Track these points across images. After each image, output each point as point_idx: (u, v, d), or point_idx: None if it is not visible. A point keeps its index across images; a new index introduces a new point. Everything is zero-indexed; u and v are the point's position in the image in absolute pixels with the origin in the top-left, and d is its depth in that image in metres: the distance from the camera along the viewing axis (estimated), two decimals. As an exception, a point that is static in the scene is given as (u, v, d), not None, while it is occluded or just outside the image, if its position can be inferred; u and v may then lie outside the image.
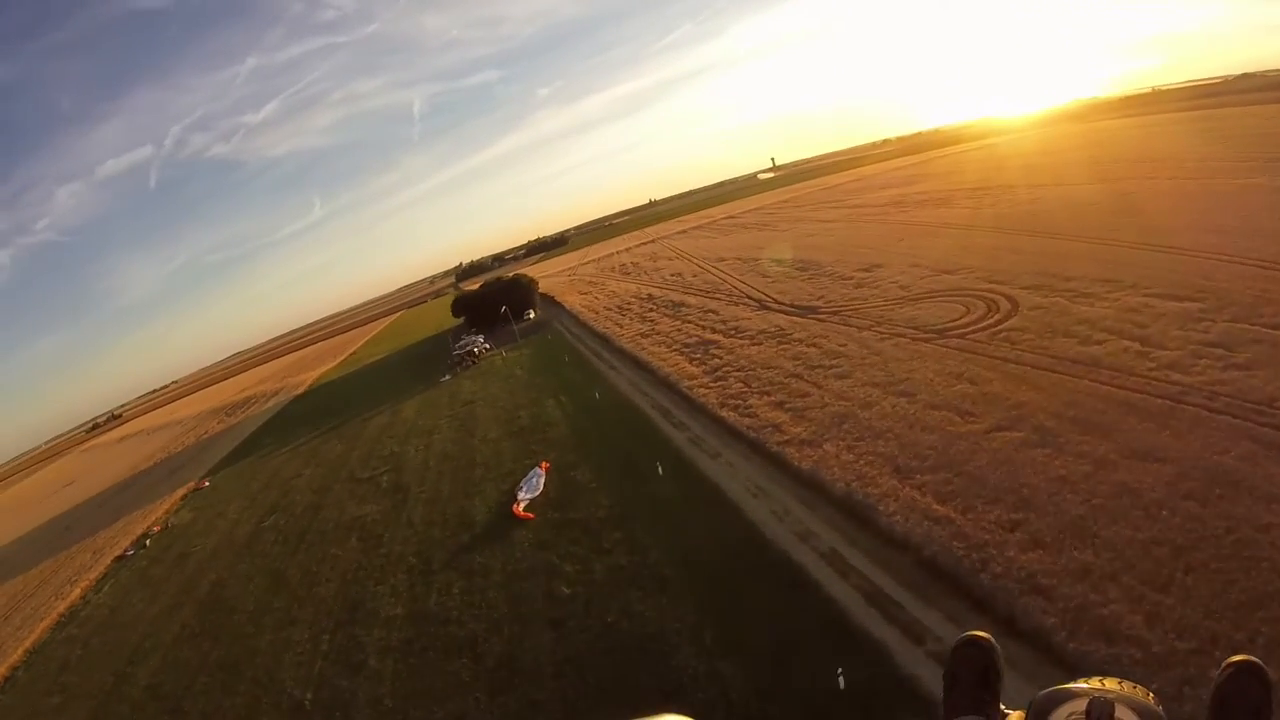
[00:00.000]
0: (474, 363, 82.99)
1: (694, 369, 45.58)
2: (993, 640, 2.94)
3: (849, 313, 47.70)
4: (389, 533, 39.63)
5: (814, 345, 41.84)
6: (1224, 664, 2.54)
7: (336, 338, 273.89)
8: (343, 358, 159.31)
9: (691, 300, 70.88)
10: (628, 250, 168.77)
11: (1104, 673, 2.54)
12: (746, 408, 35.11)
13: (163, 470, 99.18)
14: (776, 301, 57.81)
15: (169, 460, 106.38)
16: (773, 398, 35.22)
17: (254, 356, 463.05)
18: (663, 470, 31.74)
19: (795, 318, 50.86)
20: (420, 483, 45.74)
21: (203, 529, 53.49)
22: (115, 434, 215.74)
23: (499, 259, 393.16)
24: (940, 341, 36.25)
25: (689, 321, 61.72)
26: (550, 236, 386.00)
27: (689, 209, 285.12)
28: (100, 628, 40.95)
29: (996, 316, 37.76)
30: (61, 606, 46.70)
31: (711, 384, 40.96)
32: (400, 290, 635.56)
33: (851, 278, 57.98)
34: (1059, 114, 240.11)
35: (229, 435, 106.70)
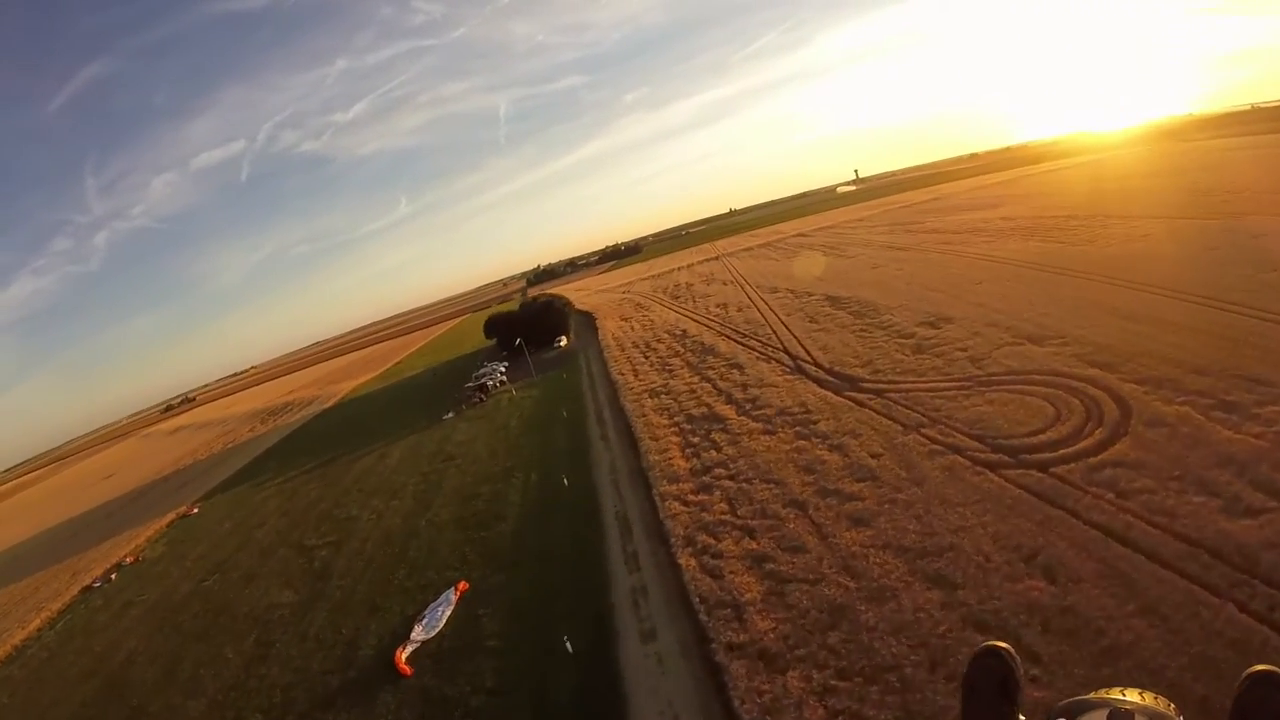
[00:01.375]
0: (483, 399, 76.41)
1: (682, 464, 36.11)
2: (1012, 650, 3.03)
3: (897, 394, 36.92)
4: (280, 644, 33.76)
5: (838, 449, 31.47)
6: (1244, 674, 2.57)
7: (399, 338, 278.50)
8: (387, 366, 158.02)
9: (723, 347, 61.11)
10: (689, 267, 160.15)
11: (1125, 686, 2.61)
12: (715, 553, 25.36)
13: (176, 481, 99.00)
14: (815, 363, 47.33)
15: (186, 470, 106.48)
16: (755, 543, 25.29)
17: (327, 348, 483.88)
18: (571, 648, 22.68)
19: (829, 392, 40.40)
20: (344, 574, 38.83)
21: (159, 574, 51.47)
22: (175, 422, 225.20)
23: (572, 264, 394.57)
24: (1011, 473, 25.32)
25: (708, 379, 52.15)
26: (624, 244, 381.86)
27: (766, 221, 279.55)
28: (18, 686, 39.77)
29: (1099, 434, 26.37)
30: (18, 637, 46.65)
31: (692, 496, 31.36)
32: (475, 291, 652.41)
33: (912, 335, 46.82)
34: (1153, 130, 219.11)
35: (247, 449, 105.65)
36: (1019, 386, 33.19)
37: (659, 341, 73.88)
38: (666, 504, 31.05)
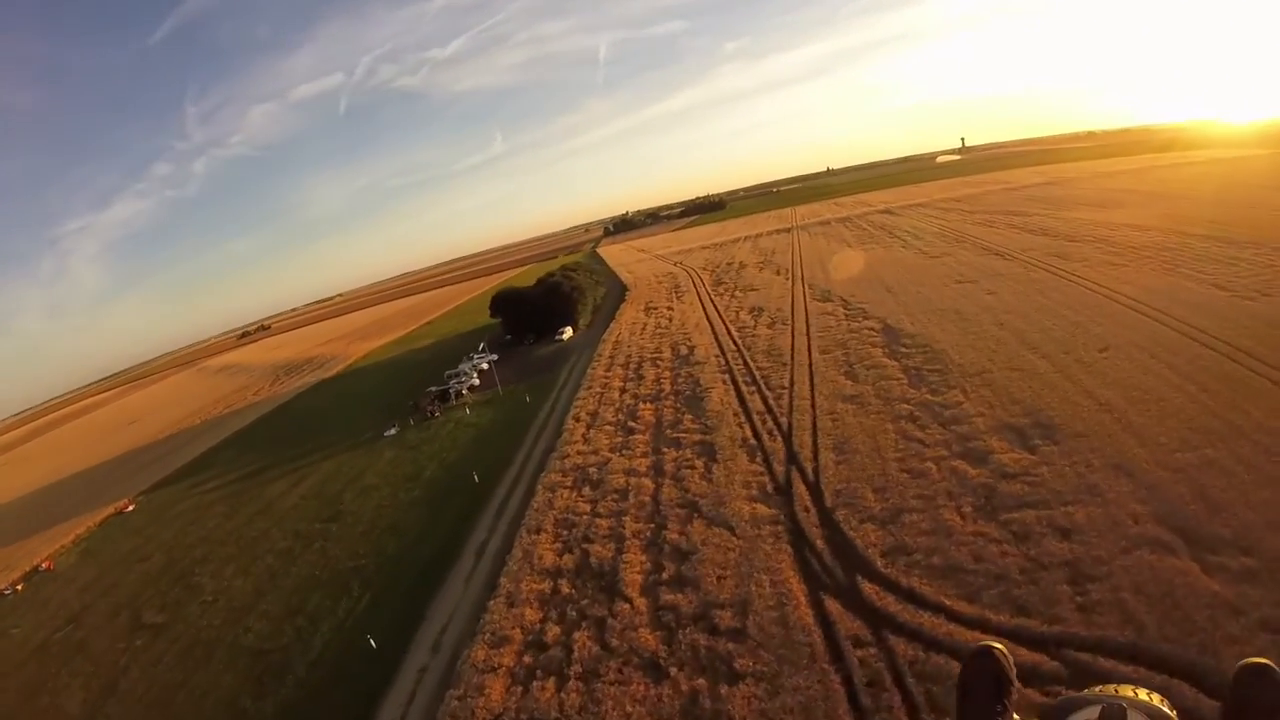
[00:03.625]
0: (431, 415, 62.84)
1: (508, 659, 20.28)
2: (1005, 650, 3.08)
3: (922, 639, 19.32)
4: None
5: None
6: (1238, 667, 2.62)
7: (464, 282, 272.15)
8: (417, 325, 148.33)
9: (713, 400, 43.65)
10: (755, 239, 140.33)
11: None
12: None
13: (157, 451, 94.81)
14: (812, 486, 29.55)
15: (178, 436, 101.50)
16: None
17: (406, 283, 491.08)
18: None
19: (803, 584, 23.19)
20: (131, 690, 27.92)
21: (47, 597, 48.66)
22: (229, 358, 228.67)
23: (654, 216, 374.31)
24: None
25: (660, 472, 35.40)
26: (710, 198, 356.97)
27: (859, 186, 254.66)
28: None
29: None
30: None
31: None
32: (558, 234, 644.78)
33: (985, 463, 27.91)
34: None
35: (230, 422, 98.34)
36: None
37: (653, 365, 56.76)
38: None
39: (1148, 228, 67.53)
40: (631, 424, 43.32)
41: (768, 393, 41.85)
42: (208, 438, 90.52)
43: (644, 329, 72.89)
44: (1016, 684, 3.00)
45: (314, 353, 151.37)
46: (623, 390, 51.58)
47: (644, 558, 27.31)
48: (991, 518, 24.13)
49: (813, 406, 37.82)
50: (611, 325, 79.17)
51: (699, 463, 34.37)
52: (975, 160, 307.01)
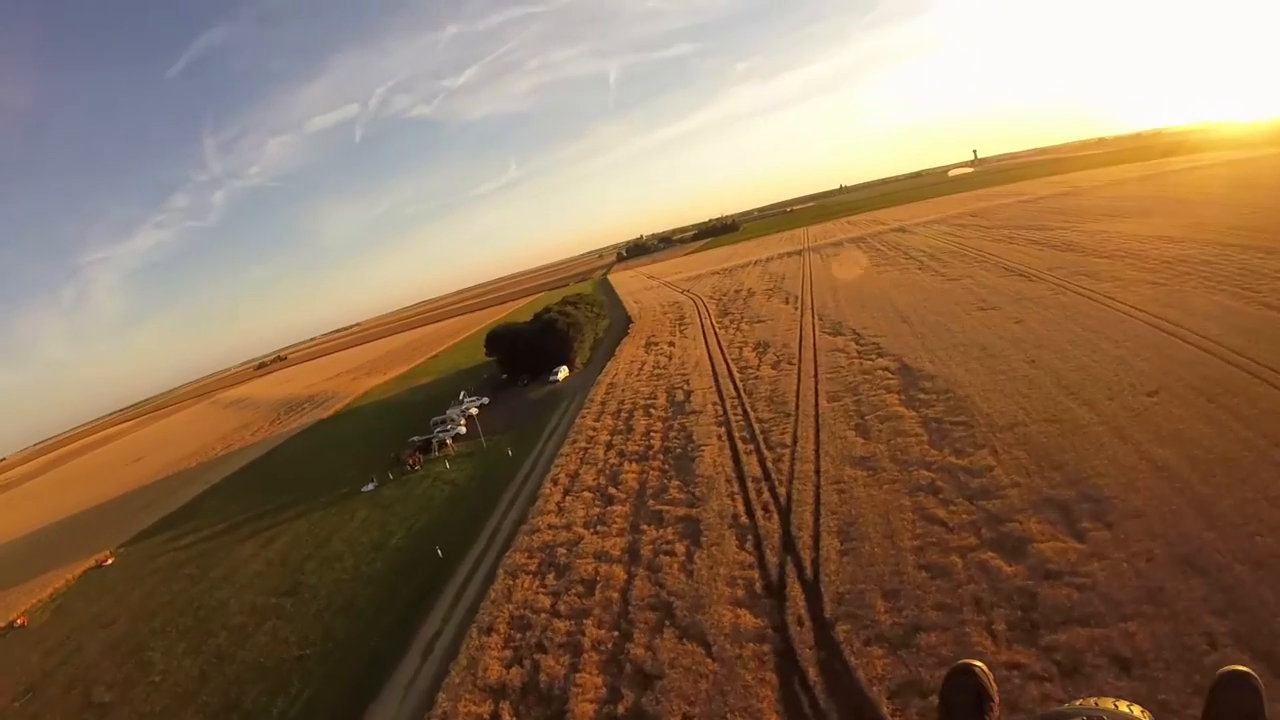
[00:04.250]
0: (412, 469, 59.00)
1: None
2: (984, 666, 3.11)
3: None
4: None
5: None
6: (1217, 674, 2.68)
7: (475, 312, 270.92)
8: (417, 362, 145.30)
9: (704, 463, 38.98)
10: (766, 262, 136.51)
11: (1100, 694, 2.79)
12: None
13: (145, 498, 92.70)
14: (809, 582, 24.69)
15: (170, 479, 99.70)
16: None
17: (421, 312, 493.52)
18: None
19: None
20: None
21: (15, 658, 47.25)
22: (241, 391, 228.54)
23: (667, 240, 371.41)
24: None
25: (631, 569, 30.71)
26: (723, 220, 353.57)
27: (872, 203, 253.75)
28: None
29: None
30: None
31: None
32: (572, 260, 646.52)
33: (1023, 556, 22.79)
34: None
35: (224, 463, 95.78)
36: None
37: (645, 415, 52.16)
38: None
39: (1179, 239, 62.38)
40: (612, 490, 38.62)
41: (766, 453, 36.97)
42: (199, 482, 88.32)
43: (641, 369, 68.44)
44: (997, 700, 3.00)
45: (317, 389, 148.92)
46: (609, 445, 46.96)
47: (600, 680, 22.51)
48: (1031, 640, 19.05)
49: (817, 472, 32.86)
50: (609, 364, 74.87)
51: (680, 546, 29.55)
52: (988, 172, 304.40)
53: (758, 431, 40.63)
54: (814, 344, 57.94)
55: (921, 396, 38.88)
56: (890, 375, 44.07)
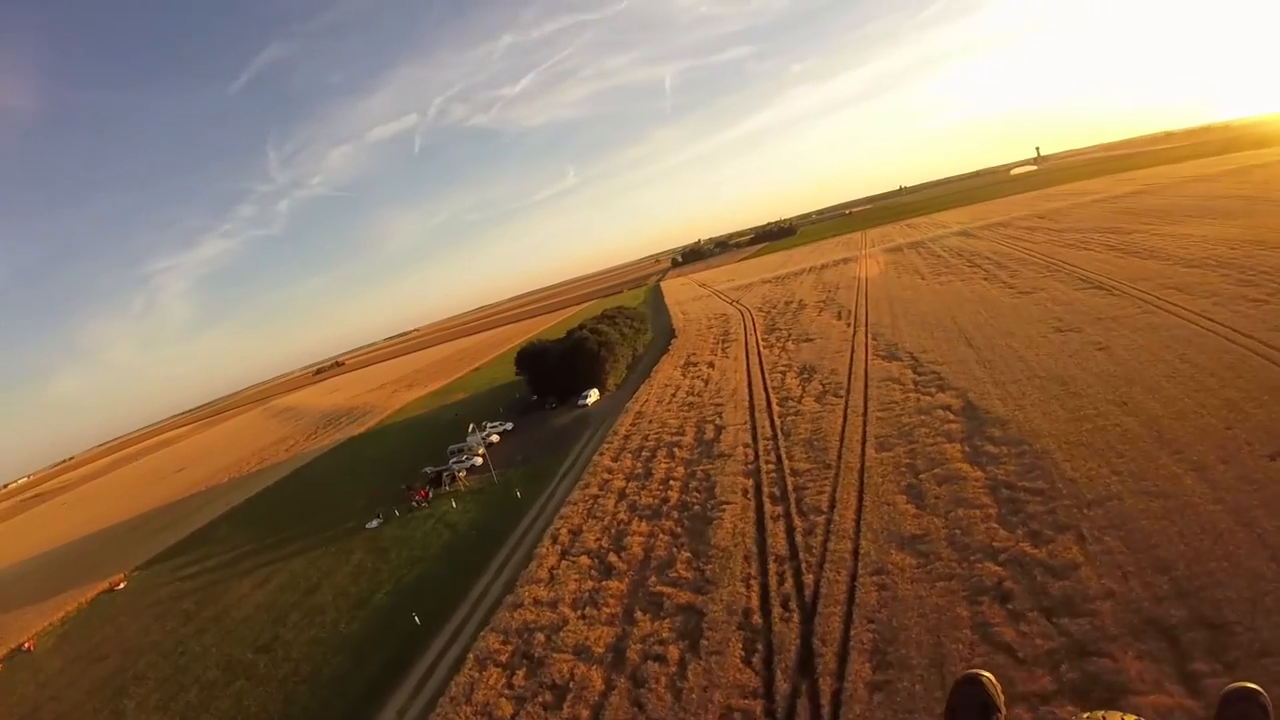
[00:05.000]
0: (417, 506, 55.28)
1: None
2: (992, 678, 3.13)
3: None
4: None
5: None
6: (1225, 690, 2.69)
7: (523, 321, 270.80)
8: (460, 374, 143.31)
9: (720, 535, 33.30)
10: (820, 270, 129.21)
11: (1108, 707, 2.64)
12: None
13: (177, 512, 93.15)
14: None
15: (194, 498, 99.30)
16: None
17: (480, 317, 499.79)
18: None
19: None
20: None
21: (12, 686, 47.84)
22: (292, 399, 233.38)
23: (723, 245, 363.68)
24: None
25: (611, 677, 25.37)
26: (779, 224, 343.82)
27: (933, 205, 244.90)
28: None
29: None
30: None
31: None
32: (628, 265, 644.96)
33: (1134, 690, 16.68)
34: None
35: (252, 481, 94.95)
36: None
37: (668, 456, 46.73)
38: None
39: (1278, 244, 53.72)
40: (613, 558, 33.29)
41: (797, 520, 30.95)
42: (222, 502, 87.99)
43: (675, 395, 62.90)
44: (1003, 710, 3.02)
45: (358, 401, 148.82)
46: (621, 495, 41.65)
47: None
48: None
49: (855, 555, 26.70)
50: (642, 387, 69.63)
51: (674, 650, 23.98)
52: (1052, 170, 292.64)
53: (790, 488, 34.59)
54: (865, 370, 51.31)
55: (989, 449, 32.18)
56: (952, 417, 37.37)
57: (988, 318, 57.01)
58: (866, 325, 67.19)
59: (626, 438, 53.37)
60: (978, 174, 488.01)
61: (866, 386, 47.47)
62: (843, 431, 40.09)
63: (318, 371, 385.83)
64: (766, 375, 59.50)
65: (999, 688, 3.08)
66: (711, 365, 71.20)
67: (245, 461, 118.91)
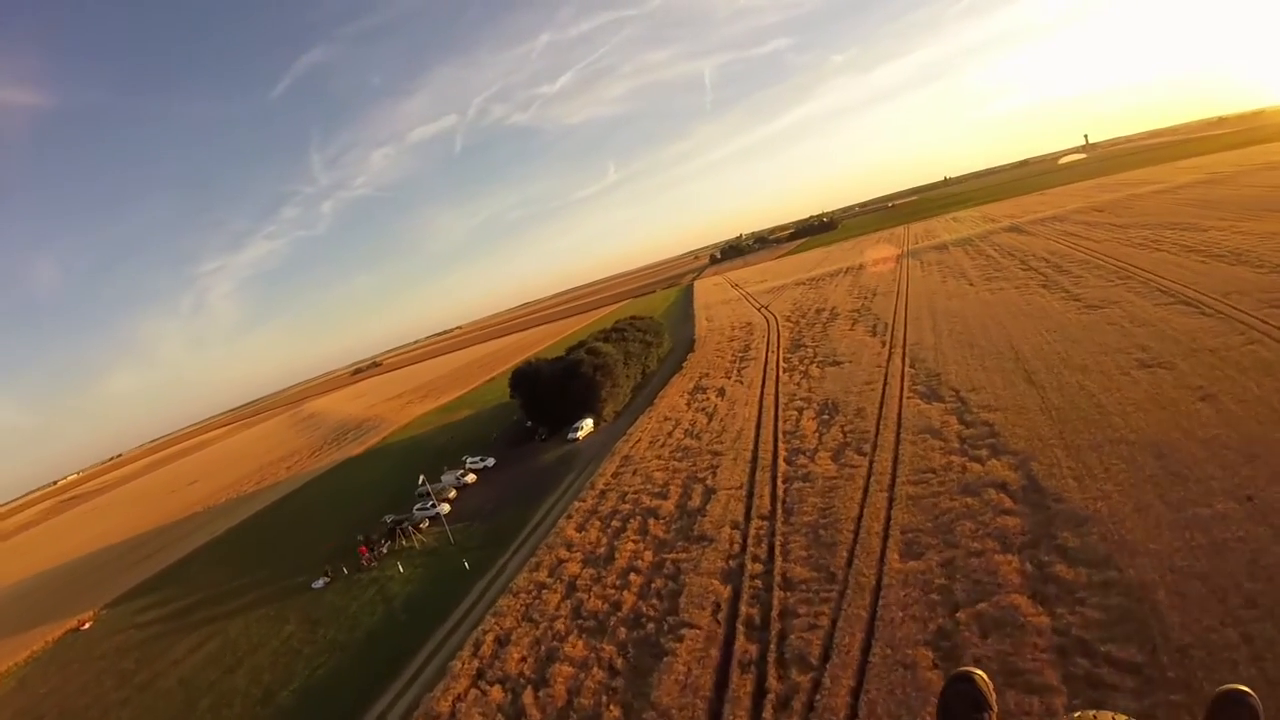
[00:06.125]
0: (364, 567, 47.79)
1: None
2: (984, 675, 3.12)
3: None
4: None
5: None
6: (1216, 692, 2.61)
7: (558, 321, 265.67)
8: (474, 385, 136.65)
9: (668, 684, 24.37)
10: (857, 271, 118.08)
11: (1098, 707, 2.62)
12: None
13: (165, 538, 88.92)
14: None
15: (186, 521, 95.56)
16: None
17: (522, 315, 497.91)
18: None
19: None
20: None
21: None
22: (318, 404, 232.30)
23: (762, 240, 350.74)
24: None
25: None
26: (820, 219, 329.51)
27: (979, 196, 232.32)
28: None
29: None
30: None
31: None
32: (669, 261, 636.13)
33: None
34: None
35: (241, 507, 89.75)
36: None
37: (639, 531, 37.87)
38: None
39: None
40: (528, 699, 24.57)
41: (773, 680, 21.56)
42: (207, 530, 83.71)
43: (671, 434, 53.68)
44: (995, 708, 3.00)
45: (371, 413, 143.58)
46: (571, 589, 32.85)
47: None
48: None
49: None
50: (641, 419, 60.75)
51: None
52: (1102, 159, 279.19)
53: (776, 613, 25.10)
54: (899, 414, 41.27)
55: (1061, 571, 22.22)
56: (1009, 503, 27.36)
57: (1051, 340, 46.21)
58: (904, 346, 56.84)
59: (602, 494, 44.49)
60: (1024, 163, 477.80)
61: (898, 441, 37.49)
62: (860, 516, 30.37)
63: (355, 371, 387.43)
64: (780, 412, 49.89)
65: (991, 686, 2.98)
66: (721, 393, 61.71)
67: (248, 479, 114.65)
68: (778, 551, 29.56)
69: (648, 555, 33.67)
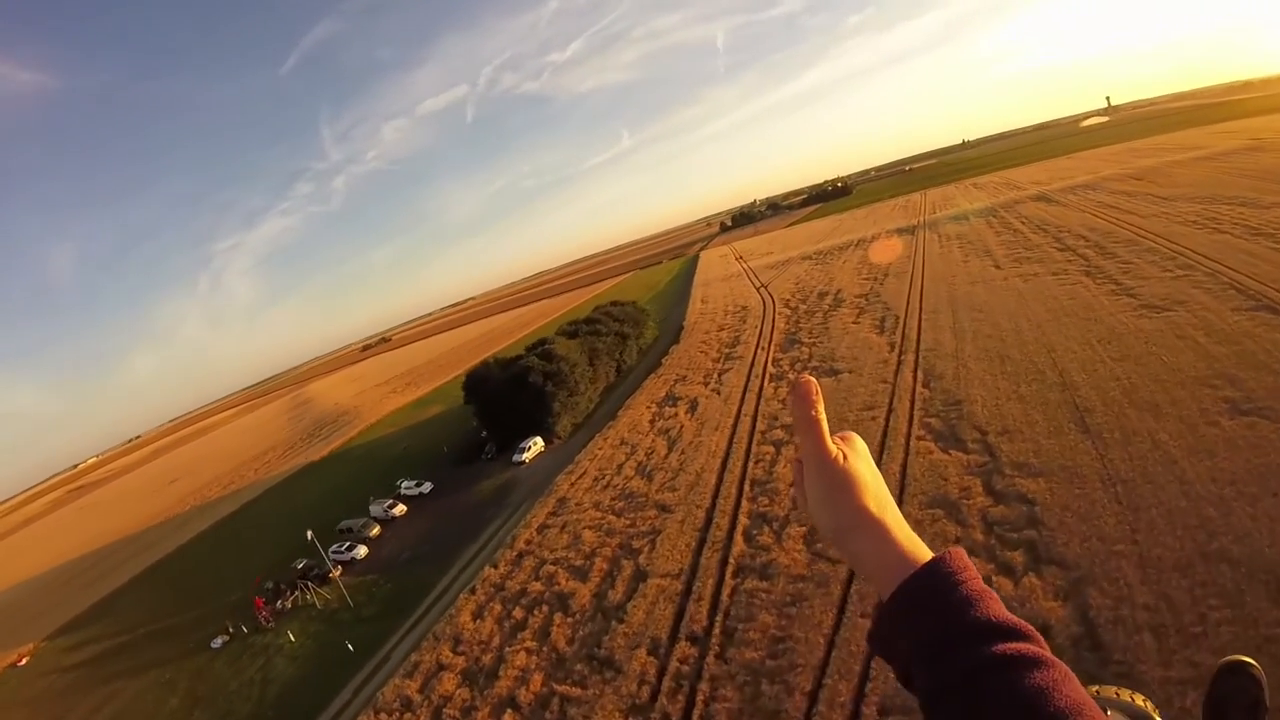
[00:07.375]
0: (262, 624, 39.66)
1: None
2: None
3: None
4: None
5: None
6: (1218, 666, 2.41)
7: (566, 293, 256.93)
8: (458, 372, 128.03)
9: None
10: (871, 242, 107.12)
11: (1101, 682, 2.47)
12: None
13: (122, 554, 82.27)
14: None
15: (147, 533, 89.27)
16: None
17: (534, 285, 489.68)
18: None
19: None
20: None
21: None
22: (312, 388, 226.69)
23: (774, 206, 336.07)
24: None
25: None
26: (834, 184, 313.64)
27: (1000, 160, 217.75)
28: None
29: None
30: None
31: None
32: (681, 229, 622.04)
33: None
34: None
35: (196, 519, 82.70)
36: None
37: (537, 634, 28.51)
38: None
39: None
40: None
41: None
42: (159, 548, 76.05)
43: (621, 468, 43.86)
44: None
45: (353, 403, 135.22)
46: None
47: None
48: None
49: None
50: (596, 440, 51.23)
51: None
52: (1126, 122, 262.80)
53: None
54: (903, 466, 30.95)
55: None
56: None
57: (1105, 356, 35.30)
58: (917, 351, 46.21)
59: (519, 559, 35.14)
60: (1045, 125, 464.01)
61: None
62: (825, 664, 20.56)
63: (365, 347, 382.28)
64: (755, 445, 39.96)
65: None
66: (693, 407, 51.71)
67: (221, 480, 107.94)
68: (696, 714, 19.95)
69: (536, 680, 24.34)
